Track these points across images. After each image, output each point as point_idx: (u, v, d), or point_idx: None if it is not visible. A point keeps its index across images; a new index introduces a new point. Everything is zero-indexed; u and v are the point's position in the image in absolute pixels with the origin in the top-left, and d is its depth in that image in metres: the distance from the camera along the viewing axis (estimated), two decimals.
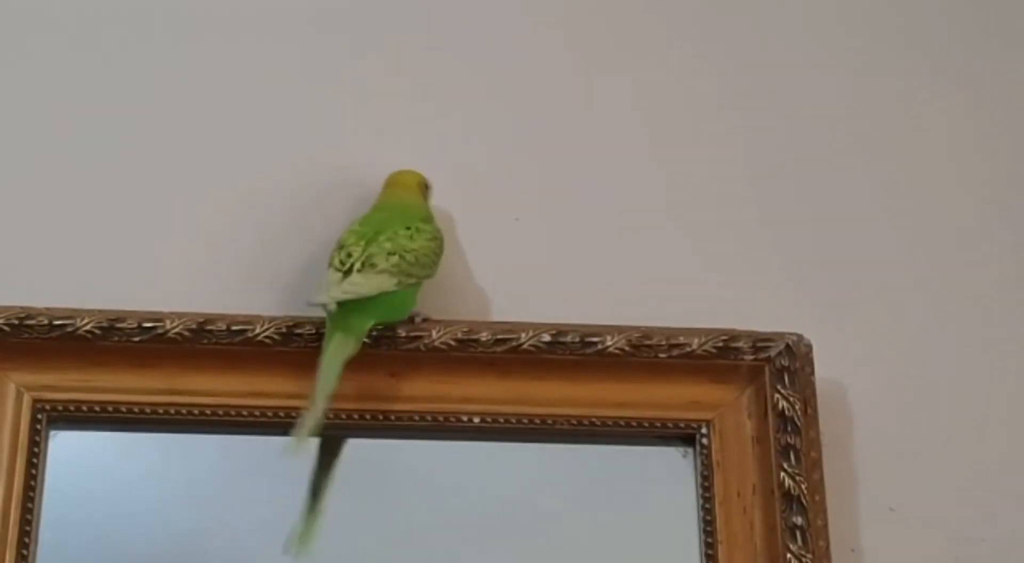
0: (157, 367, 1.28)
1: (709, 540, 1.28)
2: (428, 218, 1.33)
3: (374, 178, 1.40)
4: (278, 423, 1.28)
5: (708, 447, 1.30)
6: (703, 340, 1.31)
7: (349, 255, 1.27)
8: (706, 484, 1.29)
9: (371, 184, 1.39)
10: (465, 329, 1.30)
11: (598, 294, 1.37)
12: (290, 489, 1.29)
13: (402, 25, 1.48)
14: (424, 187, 1.35)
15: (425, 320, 1.30)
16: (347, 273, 1.26)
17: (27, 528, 1.23)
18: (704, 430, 1.31)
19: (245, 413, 1.28)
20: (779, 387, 1.29)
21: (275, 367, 1.28)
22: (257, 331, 1.27)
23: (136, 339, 1.27)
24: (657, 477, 1.32)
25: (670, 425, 1.31)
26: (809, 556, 1.25)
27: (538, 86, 1.47)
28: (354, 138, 1.43)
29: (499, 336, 1.30)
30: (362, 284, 1.26)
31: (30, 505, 1.24)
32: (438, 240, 1.31)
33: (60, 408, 1.27)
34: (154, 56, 1.45)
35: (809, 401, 1.30)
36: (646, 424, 1.31)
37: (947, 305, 1.41)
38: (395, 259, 1.28)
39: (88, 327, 1.26)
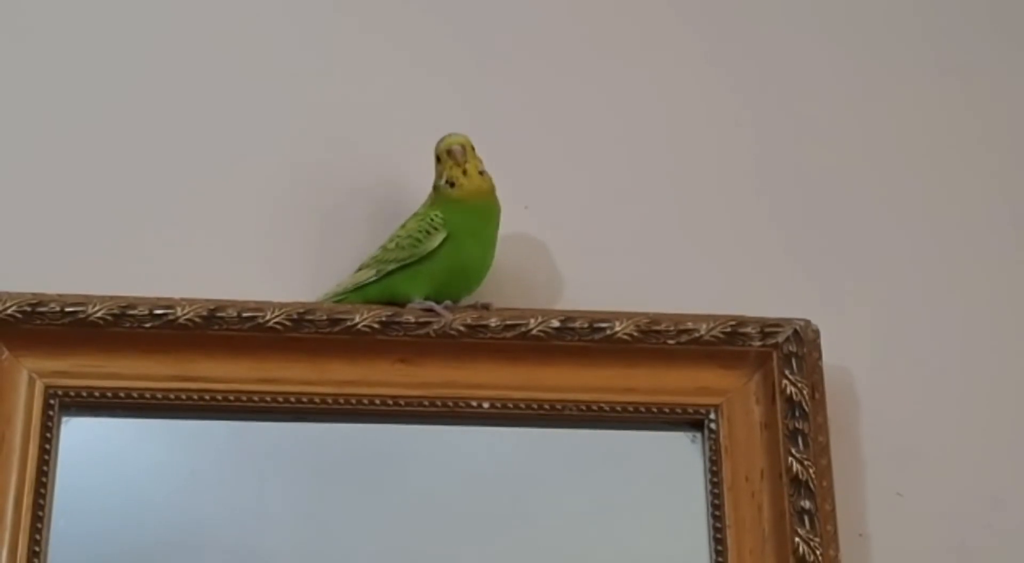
0: (168, 353, 1.28)
1: (717, 525, 1.28)
2: (433, 201, 1.32)
3: (383, 164, 1.40)
4: (289, 409, 1.29)
5: (716, 432, 1.30)
6: (711, 326, 1.31)
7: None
8: (714, 469, 1.30)
9: (380, 170, 1.40)
10: (474, 315, 1.30)
11: (606, 280, 1.38)
12: (300, 475, 1.29)
13: (411, 10, 1.48)
14: (436, 159, 1.32)
15: (430, 309, 1.30)
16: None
17: (40, 513, 1.23)
18: (712, 415, 1.31)
19: (256, 399, 1.28)
20: (787, 373, 1.30)
21: (286, 353, 1.28)
22: (268, 317, 1.28)
23: (147, 325, 1.27)
24: (665, 462, 1.32)
25: (678, 410, 1.31)
26: (817, 540, 1.25)
27: (548, 74, 1.47)
28: (363, 124, 1.43)
29: (508, 322, 1.30)
30: (346, 281, 1.32)
31: (43, 491, 1.24)
32: (427, 219, 1.31)
33: (72, 394, 1.27)
34: (165, 43, 1.45)
35: (817, 386, 1.30)
36: (654, 409, 1.31)
37: (954, 292, 1.42)
38: (378, 252, 1.32)
39: (100, 313, 1.27)
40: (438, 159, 1.32)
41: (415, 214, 1.33)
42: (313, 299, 1.31)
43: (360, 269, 1.33)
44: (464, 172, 1.31)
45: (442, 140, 1.32)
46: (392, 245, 1.32)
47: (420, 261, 1.31)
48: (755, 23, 1.51)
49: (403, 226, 1.33)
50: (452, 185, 1.31)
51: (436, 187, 1.32)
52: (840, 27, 1.52)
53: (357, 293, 1.31)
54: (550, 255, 1.38)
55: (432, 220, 1.31)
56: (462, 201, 1.31)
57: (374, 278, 1.31)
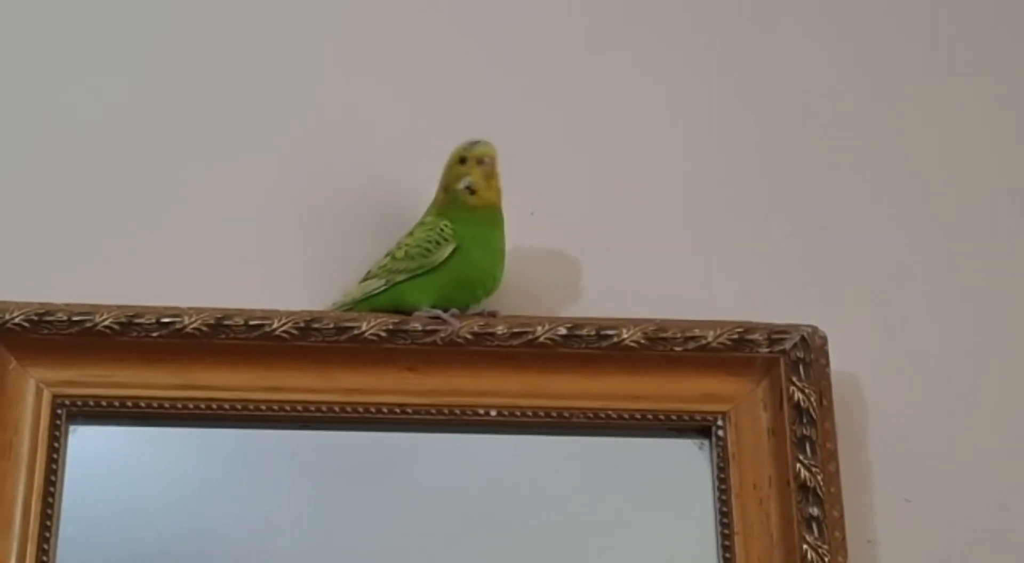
0: (175, 362, 1.28)
1: (726, 532, 1.28)
2: (441, 208, 1.32)
3: (390, 171, 1.40)
4: (296, 418, 1.29)
5: (724, 439, 1.30)
6: (718, 333, 1.31)
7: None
8: (722, 476, 1.30)
9: (387, 177, 1.40)
10: (481, 323, 1.30)
11: (613, 287, 1.38)
12: (308, 484, 1.29)
13: (420, 16, 1.48)
14: (460, 160, 1.31)
15: (436, 317, 1.30)
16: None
17: (48, 523, 1.23)
18: (720, 422, 1.31)
19: (263, 407, 1.28)
20: (794, 379, 1.30)
21: (293, 362, 1.29)
22: (275, 326, 1.28)
23: (154, 334, 1.27)
24: (673, 469, 1.32)
25: (686, 417, 1.31)
26: (825, 547, 1.25)
27: (554, 80, 1.47)
28: (370, 131, 1.43)
29: (515, 330, 1.30)
30: (354, 290, 1.32)
31: (50, 500, 1.24)
32: (437, 229, 1.31)
33: (79, 403, 1.28)
34: (169, 50, 1.45)
35: (824, 393, 1.30)
36: (662, 416, 1.31)
37: (961, 297, 1.42)
38: (386, 261, 1.32)
39: (107, 323, 1.27)
40: (462, 161, 1.31)
41: (422, 222, 1.33)
42: (320, 308, 1.31)
43: (367, 278, 1.33)
44: (487, 182, 1.31)
45: (473, 145, 1.31)
46: (401, 254, 1.32)
47: (429, 271, 1.31)
48: (765, 29, 1.51)
49: (410, 234, 1.33)
50: (472, 192, 1.31)
51: (449, 190, 1.32)
52: (848, 29, 1.52)
53: (365, 302, 1.31)
54: (557, 262, 1.38)
55: (442, 230, 1.31)
56: (473, 210, 1.31)
57: (383, 288, 1.31)
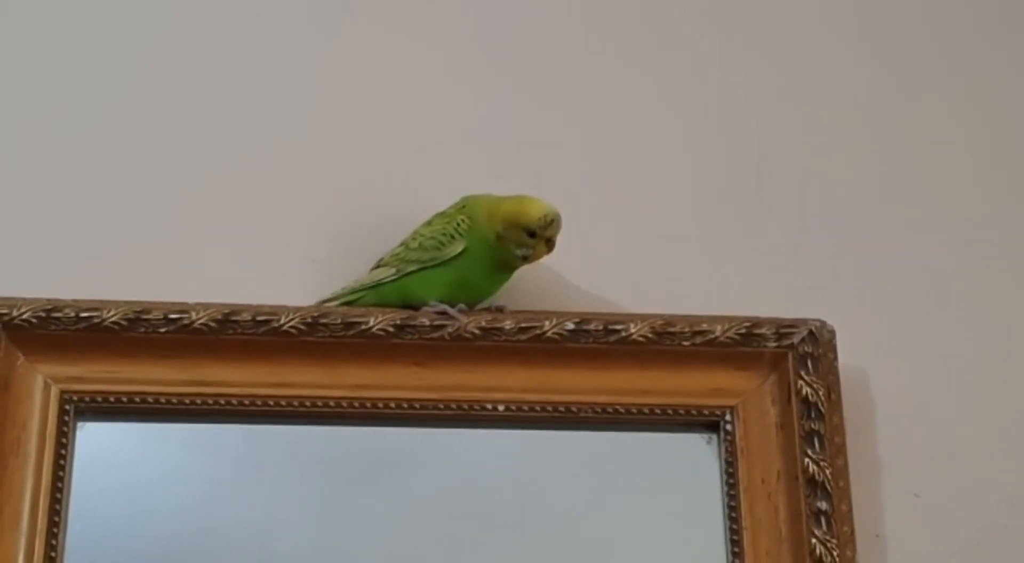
0: (183, 358, 1.28)
1: (734, 526, 1.28)
2: (464, 206, 1.32)
3: (396, 167, 1.41)
4: (304, 413, 1.29)
5: (732, 434, 1.30)
6: (726, 327, 1.31)
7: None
8: (730, 470, 1.29)
9: (394, 173, 1.40)
10: (489, 318, 1.30)
11: (621, 282, 1.38)
12: (316, 479, 1.29)
13: (429, 17, 1.48)
14: (529, 233, 1.28)
15: (443, 312, 1.30)
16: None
17: (56, 519, 1.23)
18: (728, 417, 1.31)
19: (271, 403, 1.28)
20: (802, 373, 1.30)
21: (300, 357, 1.28)
22: (282, 321, 1.28)
23: (162, 330, 1.27)
24: (681, 464, 1.32)
25: (694, 412, 1.31)
26: (834, 541, 1.25)
27: (561, 78, 1.47)
28: (376, 128, 1.43)
29: (523, 324, 1.30)
30: (364, 277, 1.32)
31: (58, 496, 1.24)
32: (454, 223, 1.31)
33: (87, 399, 1.27)
34: (179, 47, 1.45)
35: (832, 387, 1.30)
36: (670, 411, 1.31)
37: (969, 291, 1.41)
38: (399, 249, 1.31)
39: (114, 319, 1.27)
40: (531, 234, 1.28)
41: (443, 212, 1.33)
42: (329, 295, 1.31)
43: (380, 265, 1.32)
44: (544, 251, 1.30)
45: (548, 226, 1.28)
46: (415, 244, 1.31)
47: (439, 265, 1.30)
48: (765, 27, 1.51)
49: (428, 223, 1.32)
50: (525, 260, 1.30)
51: (502, 239, 1.29)
52: (849, 28, 1.52)
53: (373, 291, 1.31)
54: (564, 257, 1.37)
55: (459, 225, 1.30)
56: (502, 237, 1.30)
57: (393, 277, 1.31)
